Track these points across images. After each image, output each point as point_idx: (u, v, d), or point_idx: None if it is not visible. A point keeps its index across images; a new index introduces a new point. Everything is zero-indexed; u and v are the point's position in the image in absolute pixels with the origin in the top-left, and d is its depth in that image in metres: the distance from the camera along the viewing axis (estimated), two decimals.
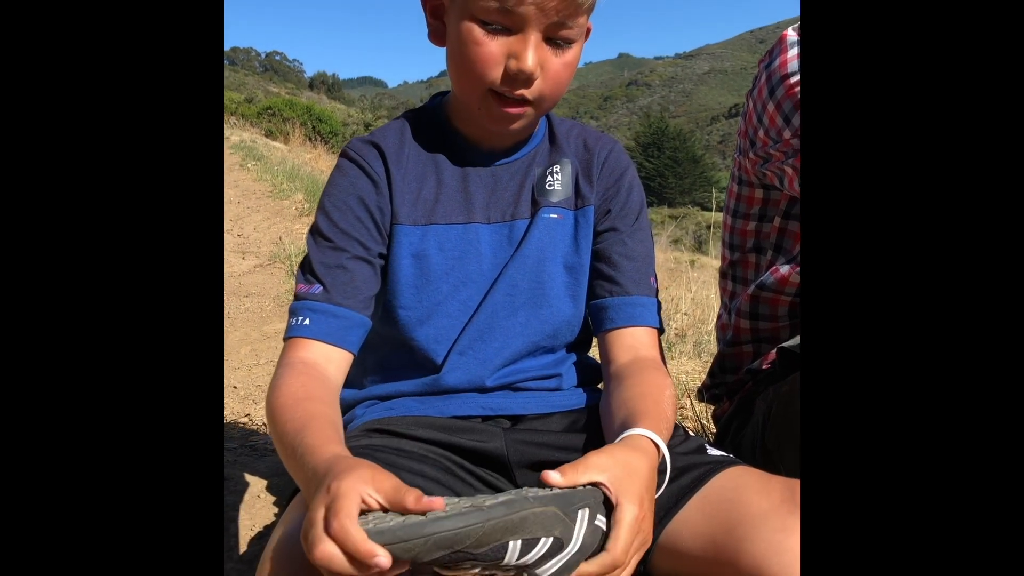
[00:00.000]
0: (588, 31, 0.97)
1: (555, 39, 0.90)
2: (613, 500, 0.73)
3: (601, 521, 0.72)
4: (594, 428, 0.95)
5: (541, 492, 0.69)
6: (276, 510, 1.54)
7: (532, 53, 0.88)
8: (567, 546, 0.68)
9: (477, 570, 0.65)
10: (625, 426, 0.83)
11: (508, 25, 0.88)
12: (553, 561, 0.68)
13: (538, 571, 0.68)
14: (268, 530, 1.45)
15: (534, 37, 0.88)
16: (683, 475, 0.87)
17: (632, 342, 0.99)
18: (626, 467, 0.76)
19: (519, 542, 0.65)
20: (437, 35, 0.97)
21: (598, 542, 0.72)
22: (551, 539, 0.67)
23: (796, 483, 0.79)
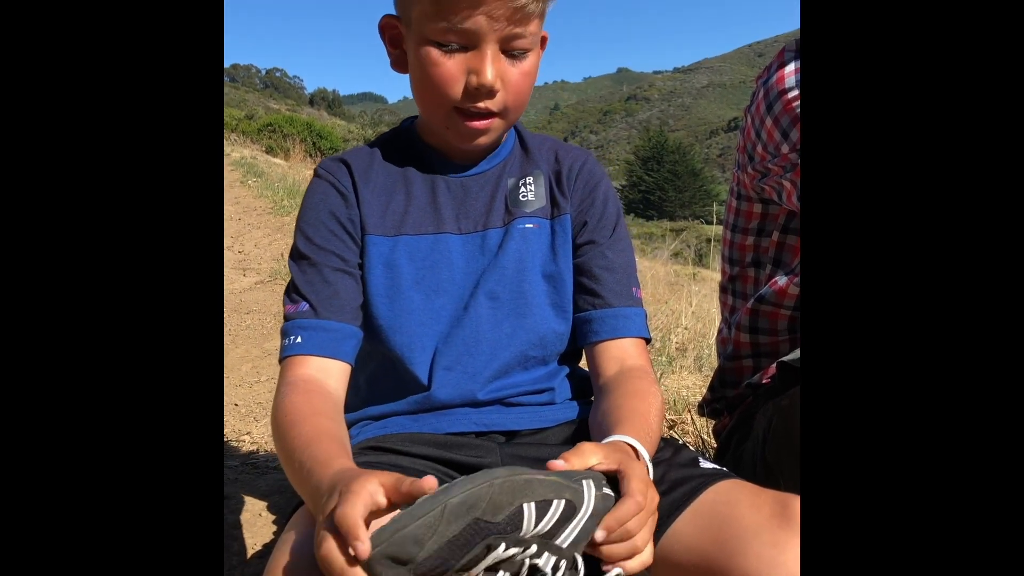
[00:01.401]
0: (544, 40, 0.99)
1: (511, 50, 0.92)
2: (616, 472, 0.73)
3: (609, 490, 0.72)
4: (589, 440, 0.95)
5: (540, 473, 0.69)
6: (277, 528, 1.53)
7: (490, 67, 0.90)
8: (580, 510, 0.68)
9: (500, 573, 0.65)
10: (607, 435, 0.84)
11: (463, 43, 0.90)
12: (569, 528, 0.68)
13: (556, 541, 0.67)
14: (268, 548, 1.44)
15: (490, 50, 0.90)
16: (676, 488, 0.87)
17: (618, 353, 1.00)
18: (622, 451, 0.77)
19: (533, 506, 0.65)
20: (399, 63, 0.99)
21: (611, 508, 0.71)
22: (563, 501, 0.67)
23: (788, 497, 0.80)
